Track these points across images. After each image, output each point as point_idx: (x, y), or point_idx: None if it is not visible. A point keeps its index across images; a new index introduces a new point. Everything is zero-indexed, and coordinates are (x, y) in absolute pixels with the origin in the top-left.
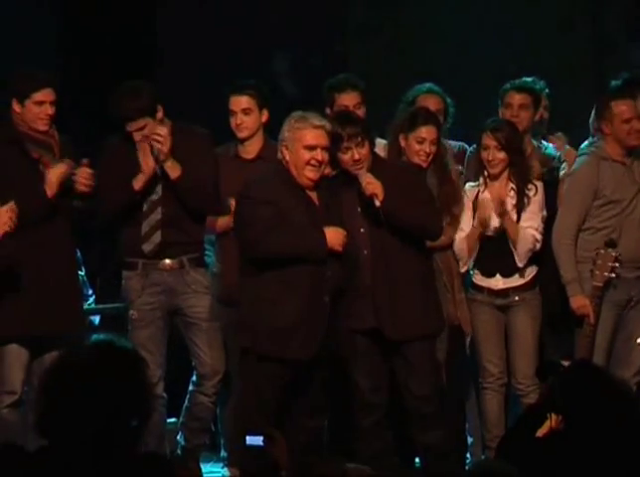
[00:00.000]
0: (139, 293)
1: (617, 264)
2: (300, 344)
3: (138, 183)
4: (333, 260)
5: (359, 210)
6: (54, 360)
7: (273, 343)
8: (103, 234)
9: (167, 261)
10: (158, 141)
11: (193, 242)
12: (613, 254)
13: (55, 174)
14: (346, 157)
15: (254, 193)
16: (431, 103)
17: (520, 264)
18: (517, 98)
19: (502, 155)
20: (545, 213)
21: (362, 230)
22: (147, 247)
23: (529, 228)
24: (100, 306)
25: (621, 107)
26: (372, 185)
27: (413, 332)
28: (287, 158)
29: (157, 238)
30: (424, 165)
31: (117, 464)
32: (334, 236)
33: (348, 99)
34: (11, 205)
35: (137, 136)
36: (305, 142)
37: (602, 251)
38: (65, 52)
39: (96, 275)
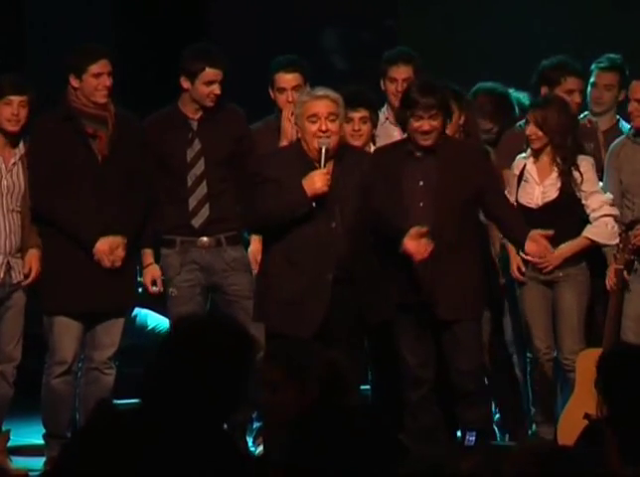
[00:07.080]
0: (177, 270)
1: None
2: (300, 320)
3: None
4: (339, 240)
5: (421, 183)
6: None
7: (276, 318)
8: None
9: (204, 239)
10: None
11: (232, 219)
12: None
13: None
14: (416, 124)
15: (261, 169)
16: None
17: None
18: (603, 78)
19: (540, 133)
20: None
21: (421, 204)
22: (197, 222)
23: (596, 210)
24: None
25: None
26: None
27: (462, 313)
28: (300, 134)
29: (205, 212)
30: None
31: (201, 438)
32: (310, 181)
33: (399, 73)
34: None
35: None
36: (308, 113)
37: (623, 235)
38: (117, 31)
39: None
